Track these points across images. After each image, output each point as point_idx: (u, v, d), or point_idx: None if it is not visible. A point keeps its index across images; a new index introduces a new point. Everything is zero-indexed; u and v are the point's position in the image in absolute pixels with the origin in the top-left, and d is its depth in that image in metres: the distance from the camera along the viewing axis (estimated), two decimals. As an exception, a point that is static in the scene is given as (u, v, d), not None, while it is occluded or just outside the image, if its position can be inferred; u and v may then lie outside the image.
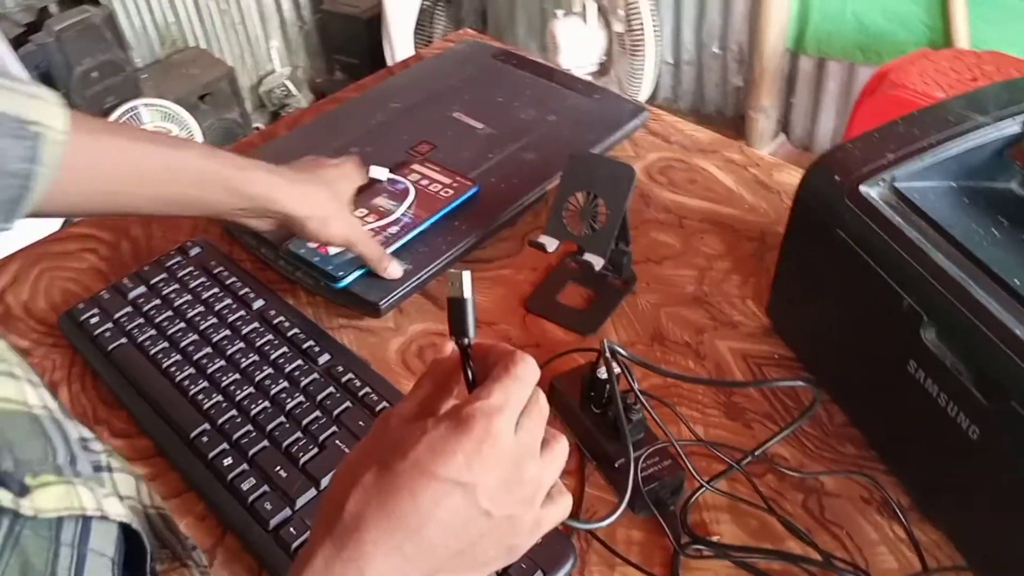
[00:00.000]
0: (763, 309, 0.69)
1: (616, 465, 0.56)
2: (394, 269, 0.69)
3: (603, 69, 2.25)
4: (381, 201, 0.76)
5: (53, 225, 0.83)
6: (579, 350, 0.67)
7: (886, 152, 0.57)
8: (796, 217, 0.60)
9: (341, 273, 0.69)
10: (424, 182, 0.78)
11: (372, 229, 0.73)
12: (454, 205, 0.76)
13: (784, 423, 0.61)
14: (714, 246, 0.77)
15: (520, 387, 0.36)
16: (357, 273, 0.69)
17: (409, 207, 0.75)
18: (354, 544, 0.33)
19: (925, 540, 0.54)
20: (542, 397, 0.38)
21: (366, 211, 0.75)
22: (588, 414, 0.59)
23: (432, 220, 0.74)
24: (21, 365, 0.36)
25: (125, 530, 0.37)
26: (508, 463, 0.35)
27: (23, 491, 0.30)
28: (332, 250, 0.70)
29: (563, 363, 0.66)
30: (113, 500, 0.36)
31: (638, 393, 0.58)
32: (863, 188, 0.55)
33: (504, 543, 0.36)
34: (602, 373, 0.58)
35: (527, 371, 0.37)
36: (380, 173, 0.78)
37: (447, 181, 0.78)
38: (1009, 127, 0.56)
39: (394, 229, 0.73)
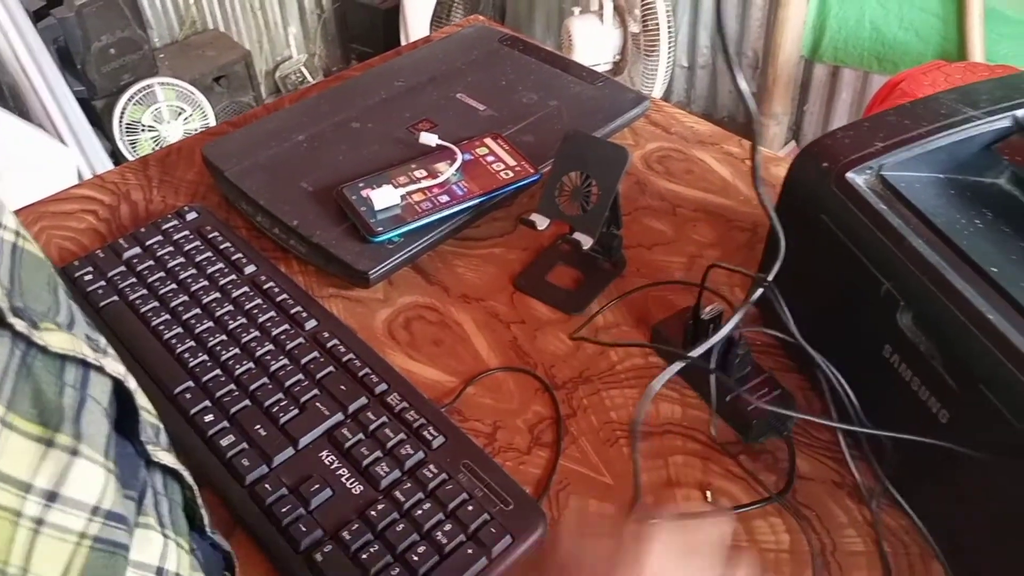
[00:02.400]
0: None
1: (727, 399, 0.59)
2: None
3: (617, 68, 2.26)
4: (434, 161, 0.77)
5: (56, 187, 0.84)
6: (674, 282, 0.71)
7: (875, 141, 0.57)
8: (784, 202, 0.60)
9: (381, 228, 0.70)
10: (489, 158, 0.78)
11: (422, 189, 0.73)
12: (510, 188, 0.76)
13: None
14: (706, 235, 0.77)
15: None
16: (395, 232, 0.70)
17: (457, 171, 0.76)
18: None
19: (894, 525, 0.54)
20: None
21: (424, 172, 0.75)
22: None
23: (484, 197, 0.74)
24: None
25: (117, 396, 0.38)
26: None
27: (34, 326, 0.32)
28: (379, 204, 0.71)
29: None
30: (109, 359, 0.37)
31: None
32: (850, 175, 0.55)
33: None
34: (706, 313, 0.60)
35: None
36: (430, 139, 0.79)
37: (511, 163, 0.78)
38: (999, 122, 0.57)
39: (444, 197, 0.73)
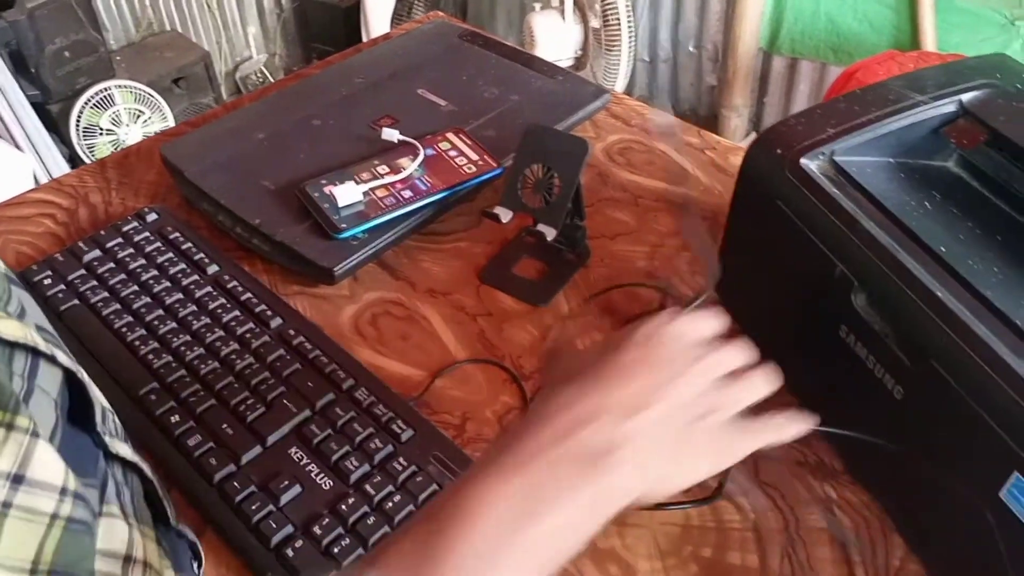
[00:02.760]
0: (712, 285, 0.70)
1: None
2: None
3: (579, 64, 2.27)
4: (396, 157, 0.77)
5: (12, 193, 0.83)
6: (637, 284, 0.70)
7: (827, 127, 0.58)
8: (740, 189, 0.62)
9: (344, 225, 0.70)
10: (452, 152, 0.78)
11: (385, 185, 0.73)
12: (473, 182, 0.76)
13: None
14: (667, 224, 0.78)
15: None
16: (358, 228, 0.70)
17: (420, 166, 0.76)
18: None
19: (855, 501, 0.56)
20: None
21: (387, 168, 0.75)
22: None
23: (448, 192, 0.74)
24: None
25: (70, 386, 0.38)
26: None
27: None
28: (342, 200, 0.71)
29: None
30: (60, 352, 0.37)
31: None
32: (803, 161, 0.57)
33: None
34: None
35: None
36: (391, 135, 0.79)
37: (474, 157, 0.78)
38: (945, 106, 0.58)
39: (407, 192, 0.73)
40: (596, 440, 0.38)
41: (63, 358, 0.37)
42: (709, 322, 0.44)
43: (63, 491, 0.33)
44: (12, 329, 0.33)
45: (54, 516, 0.32)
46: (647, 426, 0.39)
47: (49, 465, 0.32)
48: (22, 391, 0.34)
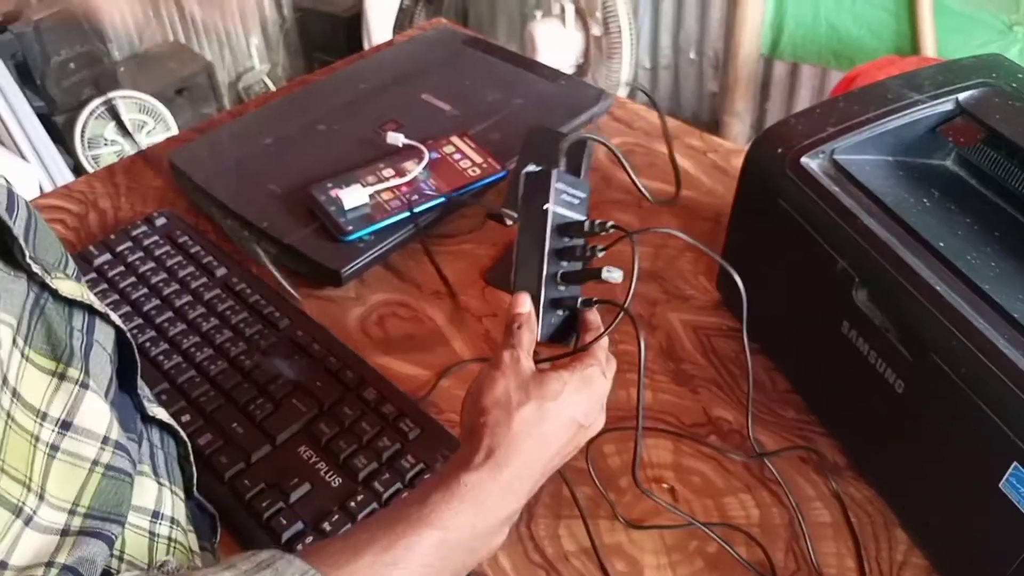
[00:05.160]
0: (714, 284, 0.71)
1: None
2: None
3: (580, 71, 2.28)
4: (401, 161, 0.78)
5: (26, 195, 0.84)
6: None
7: (827, 126, 0.59)
8: (742, 189, 0.62)
9: (351, 228, 0.71)
10: (456, 156, 0.79)
11: (390, 189, 0.74)
12: (478, 184, 0.77)
13: (728, 389, 0.63)
14: (670, 225, 0.79)
15: (603, 348, 0.49)
16: (365, 231, 0.71)
17: (425, 169, 0.77)
18: (509, 453, 0.43)
19: (859, 496, 0.56)
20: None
21: (392, 171, 0.76)
22: None
23: (453, 194, 0.75)
24: None
25: (118, 346, 0.41)
26: (603, 400, 0.49)
27: (47, 272, 0.35)
28: (348, 203, 0.72)
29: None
30: (112, 312, 0.40)
31: None
32: (804, 160, 0.58)
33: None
34: None
35: (605, 339, 0.50)
36: (396, 139, 0.80)
37: (478, 160, 0.79)
38: (943, 105, 0.59)
39: (413, 195, 0.74)
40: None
41: (115, 318, 0.39)
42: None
43: (105, 440, 0.35)
44: (70, 288, 0.36)
45: (95, 463, 0.34)
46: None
47: (95, 414, 0.35)
48: (82, 344, 0.36)
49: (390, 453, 0.57)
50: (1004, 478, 0.44)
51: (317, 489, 0.55)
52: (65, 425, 0.33)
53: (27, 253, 0.35)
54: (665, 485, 0.57)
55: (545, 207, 0.51)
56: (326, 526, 0.52)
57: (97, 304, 0.38)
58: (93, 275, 0.71)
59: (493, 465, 0.43)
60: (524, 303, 0.50)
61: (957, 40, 1.88)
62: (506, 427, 0.44)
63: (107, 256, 0.72)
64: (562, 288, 0.51)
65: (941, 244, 0.50)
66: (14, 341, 0.32)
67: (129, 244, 0.74)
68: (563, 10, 2.18)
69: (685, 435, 0.60)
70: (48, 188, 1.80)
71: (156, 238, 0.74)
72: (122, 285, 0.69)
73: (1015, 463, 0.44)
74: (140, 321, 0.66)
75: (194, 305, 0.68)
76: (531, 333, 0.49)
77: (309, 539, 0.52)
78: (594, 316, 0.52)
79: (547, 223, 0.51)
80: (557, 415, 0.46)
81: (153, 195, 0.83)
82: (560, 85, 0.92)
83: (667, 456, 0.59)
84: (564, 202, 0.52)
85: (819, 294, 0.56)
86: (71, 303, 0.36)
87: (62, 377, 0.34)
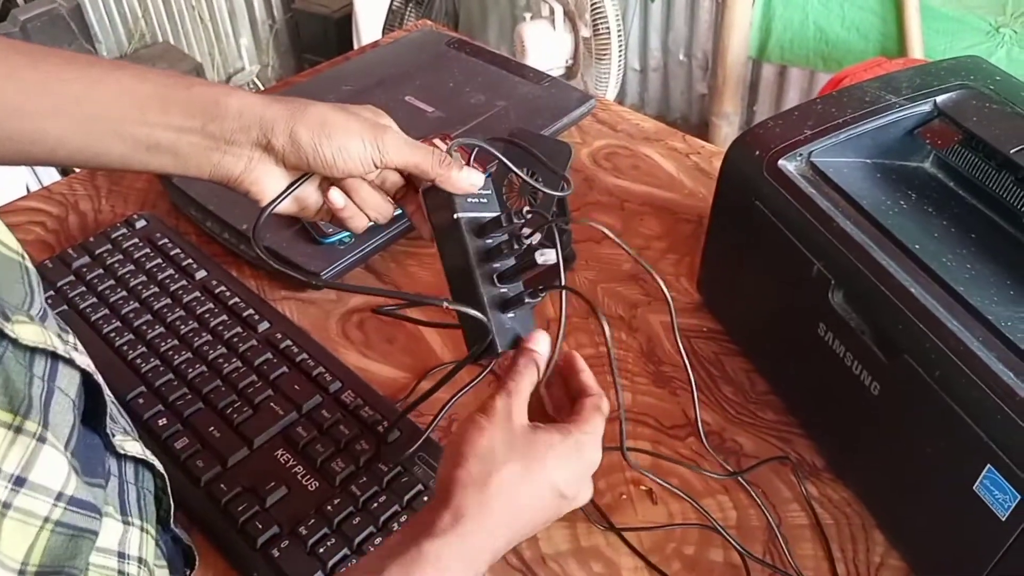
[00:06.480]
0: (695, 286, 0.71)
1: None
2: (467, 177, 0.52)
3: (569, 73, 2.28)
4: None
5: (4, 200, 0.84)
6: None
7: (804, 129, 0.59)
8: (720, 191, 0.63)
9: (330, 230, 0.70)
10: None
11: None
12: None
13: (708, 391, 0.63)
14: (653, 227, 0.79)
15: (602, 417, 0.46)
16: (345, 233, 0.70)
17: None
18: (480, 517, 0.41)
19: (836, 497, 0.56)
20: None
21: None
22: None
23: None
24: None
25: (85, 386, 0.39)
26: (591, 471, 0.46)
27: (5, 318, 0.33)
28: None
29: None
30: (78, 353, 0.37)
31: None
32: (781, 162, 0.58)
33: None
34: None
35: (606, 405, 0.47)
36: None
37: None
38: (920, 107, 0.59)
39: None
40: None
41: (80, 360, 0.37)
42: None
43: (59, 496, 0.33)
44: (31, 334, 0.34)
45: (46, 519, 0.33)
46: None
47: (51, 470, 0.33)
48: (42, 393, 0.34)
49: (368, 456, 0.57)
50: (978, 480, 0.44)
51: (294, 493, 0.55)
52: (19, 481, 0.32)
53: None
54: (643, 487, 0.57)
55: (456, 216, 0.49)
56: (302, 530, 0.52)
57: (60, 349, 0.36)
58: (71, 278, 0.70)
59: (460, 531, 0.40)
60: (541, 341, 0.47)
61: (944, 42, 1.88)
62: (481, 486, 0.41)
63: (86, 259, 0.72)
64: (504, 289, 0.49)
65: (917, 246, 0.50)
66: None
67: (108, 246, 0.73)
68: (552, 12, 2.18)
69: (665, 434, 0.60)
70: (35, 188, 1.79)
71: (136, 240, 0.74)
72: (101, 288, 0.69)
73: (989, 465, 0.44)
74: (118, 324, 0.66)
75: (173, 308, 0.67)
76: (534, 376, 0.47)
77: (285, 543, 0.52)
78: (581, 363, 0.49)
79: (463, 232, 0.49)
80: (539, 481, 0.43)
81: (135, 197, 0.83)
82: (544, 87, 0.92)
83: (646, 458, 0.59)
84: (472, 205, 0.51)
85: (796, 296, 0.56)
86: (32, 349, 0.34)
87: (18, 431, 0.32)
